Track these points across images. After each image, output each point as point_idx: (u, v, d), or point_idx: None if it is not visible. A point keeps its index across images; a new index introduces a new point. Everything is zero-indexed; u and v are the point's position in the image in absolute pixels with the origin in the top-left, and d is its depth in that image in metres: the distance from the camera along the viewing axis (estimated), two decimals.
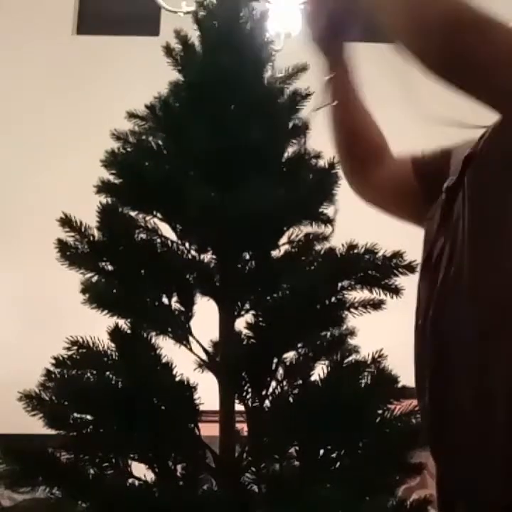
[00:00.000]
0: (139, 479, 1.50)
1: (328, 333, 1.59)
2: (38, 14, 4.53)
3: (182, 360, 1.60)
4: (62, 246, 1.60)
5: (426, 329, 1.03)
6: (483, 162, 1.02)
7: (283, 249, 1.66)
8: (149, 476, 1.50)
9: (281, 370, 1.56)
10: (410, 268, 1.54)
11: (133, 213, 1.65)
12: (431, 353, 1.01)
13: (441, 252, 1.03)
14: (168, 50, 1.79)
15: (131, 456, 1.52)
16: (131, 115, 1.73)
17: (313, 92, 1.71)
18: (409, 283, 1.56)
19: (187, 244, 1.65)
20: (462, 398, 0.93)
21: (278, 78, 1.76)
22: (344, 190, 1.68)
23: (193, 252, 1.65)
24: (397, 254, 1.56)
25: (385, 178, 1.27)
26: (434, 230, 1.05)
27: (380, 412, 1.52)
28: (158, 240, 1.64)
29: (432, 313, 1.01)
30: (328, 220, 1.68)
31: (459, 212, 1.03)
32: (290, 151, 1.73)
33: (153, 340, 1.60)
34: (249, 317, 1.59)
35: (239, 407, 1.57)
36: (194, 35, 1.85)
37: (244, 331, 1.57)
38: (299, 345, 1.58)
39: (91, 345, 1.56)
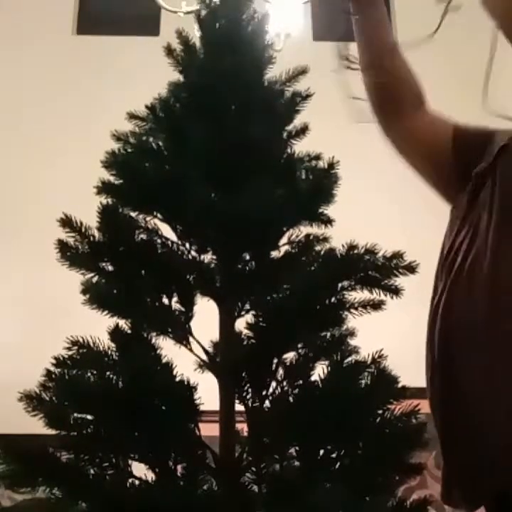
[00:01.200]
0: (139, 479, 1.50)
1: (328, 334, 1.59)
2: (38, 14, 4.54)
3: (182, 361, 1.60)
4: (62, 246, 1.60)
5: (437, 314, 1.02)
6: None
7: (283, 249, 1.66)
8: (149, 476, 1.51)
9: (281, 370, 1.56)
10: (410, 268, 1.55)
11: (133, 214, 1.65)
12: (439, 335, 1.01)
13: (462, 244, 1.02)
14: (169, 51, 1.79)
15: (131, 456, 1.52)
16: (132, 116, 1.73)
17: (313, 93, 1.72)
18: (409, 283, 1.56)
19: (187, 245, 1.65)
20: (467, 381, 0.93)
21: (278, 80, 1.76)
22: (343, 192, 1.69)
23: (193, 253, 1.65)
24: (397, 255, 1.56)
25: (418, 127, 1.26)
26: (459, 222, 1.05)
27: (379, 412, 1.52)
28: (159, 241, 1.64)
29: (445, 296, 1.01)
30: (328, 220, 1.69)
31: (484, 200, 1.02)
32: (290, 151, 1.73)
33: (153, 341, 1.60)
34: (249, 317, 1.59)
35: (239, 407, 1.57)
36: (194, 35, 1.86)
37: (245, 332, 1.57)
38: (299, 345, 1.58)
39: (91, 345, 1.57)
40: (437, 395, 1.01)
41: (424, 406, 1.31)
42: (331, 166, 1.66)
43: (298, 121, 1.76)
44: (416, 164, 1.29)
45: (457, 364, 0.96)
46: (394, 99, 1.28)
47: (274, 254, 1.66)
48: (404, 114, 1.29)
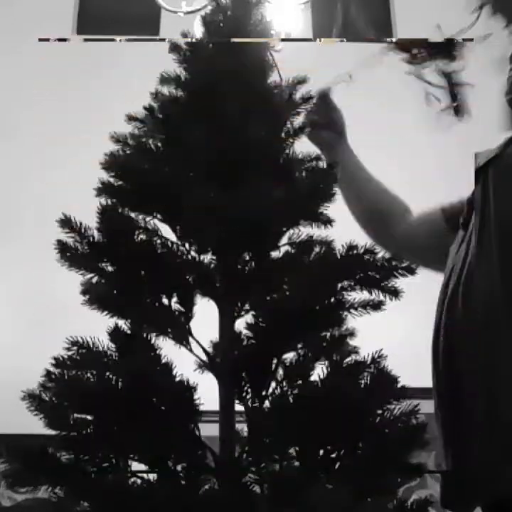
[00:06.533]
0: (141, 478, 1.50)
1: (328, 334, 1.59)
2: (38, 14, 4.54)
3: (182, 361, 1.61)
4: (62, 247, 1.61)
5: (439, 336, 1.05)
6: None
7: (283, 250, 1.66)
8: (149, 476, 1.51)
9: (281, 371, 1.57)
10: (410, 270, 1.55)
11: (133, 214, 1.66)
12: (443, 353, 1.03)
13: (457, 264, 1.06)
14: (175, 47, 1.80)
15: (131, 456, 1.52)
16: (131, 118, 1.74)
17: (313, 95, 1.73)
18: (409, 284, 1.57)
19: (187, 245, 1.65)
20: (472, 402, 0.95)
21: (278, 85, 1.77)
22: None
23: (193, 253, 1.65)
24: (397, 256, 1.56)
25: (410, 230, 1.45)
26: (459, 242, 1.09)
27: (379, 412, 1.52)
28: (158, 241, 1.64)
29: (445, 316, 1.04)
30: (328, 220, 1.69)
31: (475, 220, 1.05)
32: (289, 151, 1.73)
33: (153, 341, 1.60)
34: (249, 317, 1.59)
35: (239, 407, 1.57)
36: (195, 35, 1.86)
37: (244, 332, 1.58)
38: (299, 345, 1.58)
39: (91, 345, 1.57)
40: (445, 419, 1.04)
41: (424, 406, 1.32)
42: (331, 166, 1.66)
43: (296, 122, 1.76)
44: (426, 257, 1.45)
45: (462, 387, 0.98)
46: (384, 217, 1.56)
47: (274, 254, 1.66)
48: (396, 224, 1.51)
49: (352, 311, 1.59)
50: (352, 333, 1.61)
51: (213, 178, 1.62)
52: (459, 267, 1.05)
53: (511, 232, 0.96)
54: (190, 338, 1.62)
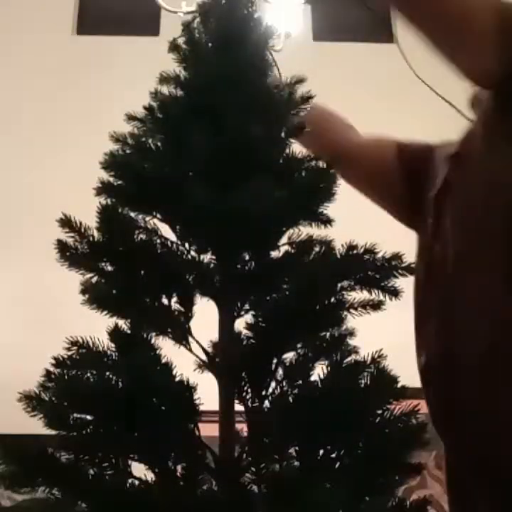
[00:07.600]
0: (139, 479, 1.50)
1: (328, 334, 1.59)
2: (37, 14, 4.54)
3: (182, 361, 1.60)
4: (61, 246, 1.61)
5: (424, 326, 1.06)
6: (469, 161, 1.06)
7: (283, 249, 1.66)
8: (149, 476, 1.51)
9: (281, 370, 1.56)
10: (409, 270, 1.55)
11: (133, 214, 1.66)
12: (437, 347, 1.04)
13: (437, 259, 1.07)
14: (174, 47, 1.79)
15: (131, 456, 1.52)
16: (130, 117, 1.73)
17: (313, 95, 1.74)
18: (409, 283, 1.57)
19: (187, 245, 1.65)
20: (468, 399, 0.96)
21: (278, 84, 1.77)
22: (344, 191, 1.69)
23: (192, 253, 1.65)
24: (396, 256, 1.56)
25: (353, 148, 1.43)
26: (430, 237, 1.10)
27: (379, 412, 1.52)
28: (158, 241, 1.64)
29: (435, 320, 1.06)
30: (328, 220, 1.69)
31: (445, 215, 1.07)
32: (289, 151, 1.73)
33: (153, 341, 1.60)
34: (249, 317, 1.59)
35: (239, 407, 1.57)
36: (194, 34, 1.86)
37: (244, 332, 1.58)
38: (299, 345, 1.58)
39: (91, 345, 1.57)
40: (439, 413, 1.05)
41: (424, 406, 1.32)
42: (331, 165, 1.66)
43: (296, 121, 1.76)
44: (366, 185, 1.43)
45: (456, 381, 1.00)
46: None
47: (274, 254, 1.66)
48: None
49: (352, 311, 1.59)
50: (352, 333, 1.61)
51: (213, 178, 1.62)
52: (437, 265, 1.07)
53: (466, 217, 0.99)
54: (190, 338, 1.61)
